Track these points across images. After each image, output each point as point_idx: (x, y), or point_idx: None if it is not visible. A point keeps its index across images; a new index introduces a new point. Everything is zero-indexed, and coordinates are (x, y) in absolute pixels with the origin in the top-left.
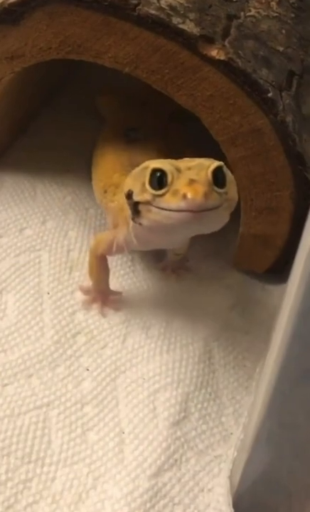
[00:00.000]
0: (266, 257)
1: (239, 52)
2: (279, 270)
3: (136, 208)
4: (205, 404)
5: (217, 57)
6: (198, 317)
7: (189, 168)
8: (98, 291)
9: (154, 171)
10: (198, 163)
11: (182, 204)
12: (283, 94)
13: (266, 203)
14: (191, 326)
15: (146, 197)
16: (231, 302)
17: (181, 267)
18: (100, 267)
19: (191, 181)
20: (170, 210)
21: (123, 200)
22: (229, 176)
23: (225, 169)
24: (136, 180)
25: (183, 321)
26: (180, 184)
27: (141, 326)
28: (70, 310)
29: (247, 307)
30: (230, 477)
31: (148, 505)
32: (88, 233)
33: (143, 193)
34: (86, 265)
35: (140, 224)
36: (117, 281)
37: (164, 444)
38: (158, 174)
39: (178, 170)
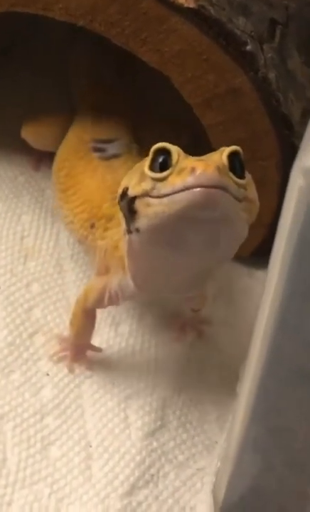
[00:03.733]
0: (252, 237)
1: None
2: (267, 252)
3: (131, 207)
4: (185, 411)
5: (185, 5)
6: (174, 310)
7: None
8: (76, 345)
9: (157, 152)
10: (209, 154)
11: (189, 179)
12: (264, 46)
13: (250, 174)
14: (167, 320)
15: (145, 186)
16: (213, 292)
17: (202, 321)
18: (86, 322)
19: (201, 160)
20: (174, 193)
21: (118, 236)
22: (248, 174)
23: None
24: (133, 174)
25: (157, 315)
26: (187, 162)
27: (108, 323)
28: (25, 306)
29: (231, 297)
30: (214, 492)
31: None
32: (45, 217)
33: (141, 182)
34: (43, 253)
35: (137, 231)
36: None
37: (138, 458)
38: (161, 159)
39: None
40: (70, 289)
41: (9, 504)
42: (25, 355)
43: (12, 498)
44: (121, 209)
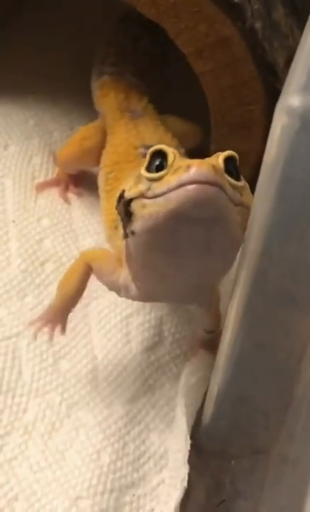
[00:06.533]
0: None
1: None
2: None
3: (127, 210)
4: (179, 328)
5: None
6: None
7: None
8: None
9: (154, 155)
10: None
11: (184, 176)
12: None
13: (238, 118)
14: None
15: (141, 187)
16: None
17: (216, 345)
18: (79, 282)
19: (197, 160)
20: (169, 191)
21: None
22: (243, 180)
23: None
24: (130, 179)
25: None
26: (183, 162)
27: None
28: (36, 237)
29: None
30: (207, 400)
31: (123, 431)
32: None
33: (137, 184)
34: (52, 192)
35: (133, 233)
36: None
37: (138, 369)
38: (158, 161)
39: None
40: (77, 223)
41: (25, 411)
42: (37, 280)
43: (27, 406)
44: (118, 213)
